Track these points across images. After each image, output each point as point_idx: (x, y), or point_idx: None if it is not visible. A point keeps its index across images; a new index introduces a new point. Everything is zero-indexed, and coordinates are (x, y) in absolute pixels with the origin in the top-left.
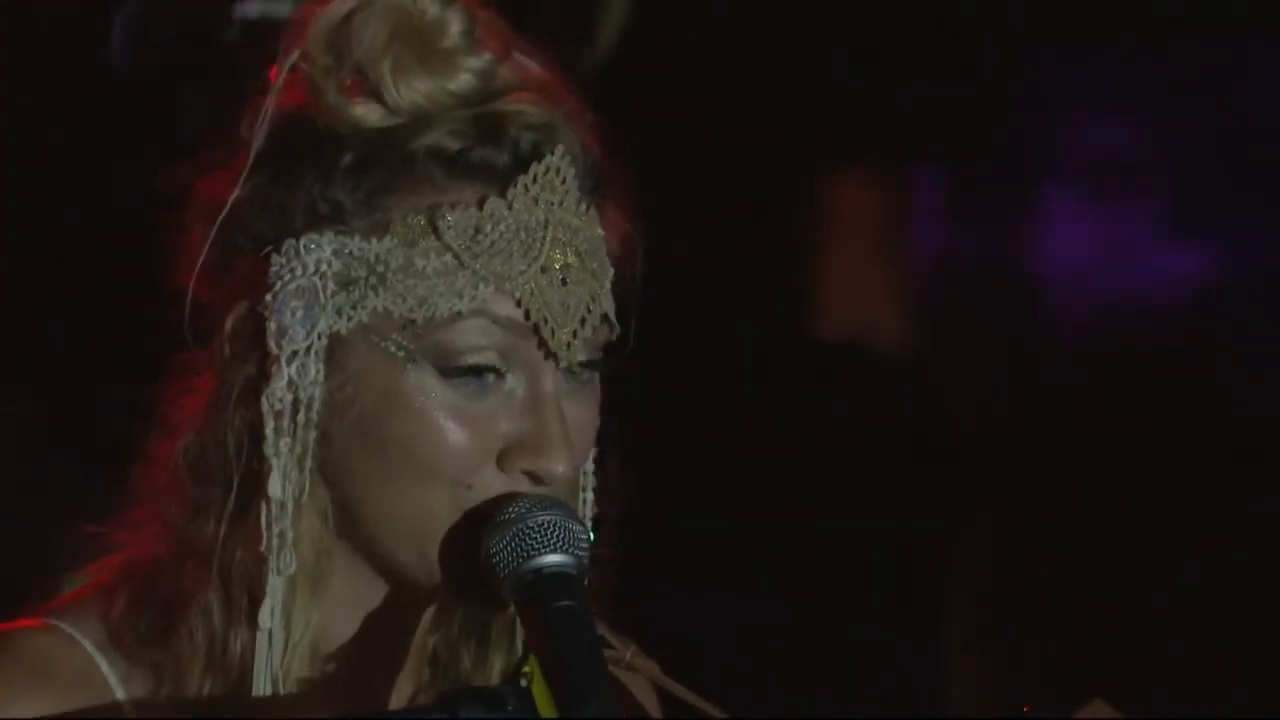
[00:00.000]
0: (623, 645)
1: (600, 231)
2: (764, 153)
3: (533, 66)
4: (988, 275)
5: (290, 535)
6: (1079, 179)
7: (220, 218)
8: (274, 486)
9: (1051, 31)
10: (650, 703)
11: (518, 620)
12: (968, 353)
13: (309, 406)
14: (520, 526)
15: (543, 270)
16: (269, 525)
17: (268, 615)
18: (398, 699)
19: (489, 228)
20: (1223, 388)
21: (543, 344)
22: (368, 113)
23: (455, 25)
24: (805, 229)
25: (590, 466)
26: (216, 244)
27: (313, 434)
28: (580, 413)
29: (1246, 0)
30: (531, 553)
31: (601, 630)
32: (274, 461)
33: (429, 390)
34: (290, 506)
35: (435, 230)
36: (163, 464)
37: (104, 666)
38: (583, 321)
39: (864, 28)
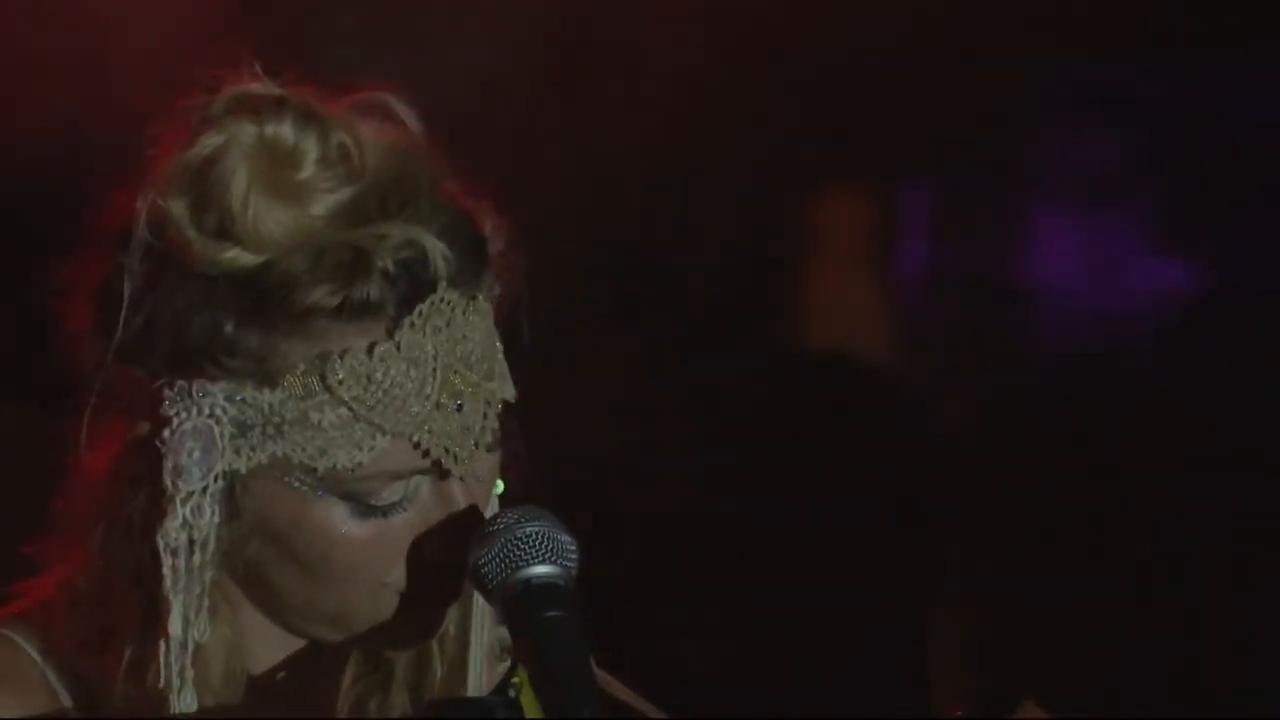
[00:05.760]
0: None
1: (488, 317)
2: (751, 169)
3: (394, 131)
4: (975, 288)
5: (190, 674)
6: (1066, 192)
7: (116, 341)
8: (174, 625)
9: (1038, 44)
10: None
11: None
12: (955, 365)
13: (204, 548)
14: (509, 537)
15: (438, 407)
16: (167, 664)
17: None
18: None
19: (379, 374)
20: (1210, 399)
21: (440, 464)
22: (237, 256)
23: (312, 153)
24: (793, 244)
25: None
26: (113, 359)
27: (209, 574)
28: (483, 475)
29: (1233, 13)
30: (520, 564)
31: None
32: (174, 600)
33: (339, 519)
34: (190, 646)
35: (326, 385)
36: (79, 497)
37: (50, 675)
38: (481, 430)
39: (850, 43)
